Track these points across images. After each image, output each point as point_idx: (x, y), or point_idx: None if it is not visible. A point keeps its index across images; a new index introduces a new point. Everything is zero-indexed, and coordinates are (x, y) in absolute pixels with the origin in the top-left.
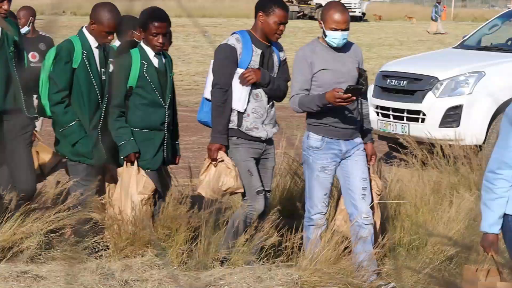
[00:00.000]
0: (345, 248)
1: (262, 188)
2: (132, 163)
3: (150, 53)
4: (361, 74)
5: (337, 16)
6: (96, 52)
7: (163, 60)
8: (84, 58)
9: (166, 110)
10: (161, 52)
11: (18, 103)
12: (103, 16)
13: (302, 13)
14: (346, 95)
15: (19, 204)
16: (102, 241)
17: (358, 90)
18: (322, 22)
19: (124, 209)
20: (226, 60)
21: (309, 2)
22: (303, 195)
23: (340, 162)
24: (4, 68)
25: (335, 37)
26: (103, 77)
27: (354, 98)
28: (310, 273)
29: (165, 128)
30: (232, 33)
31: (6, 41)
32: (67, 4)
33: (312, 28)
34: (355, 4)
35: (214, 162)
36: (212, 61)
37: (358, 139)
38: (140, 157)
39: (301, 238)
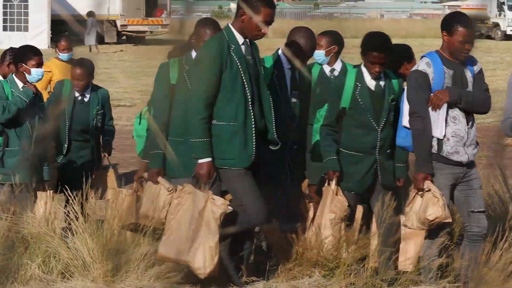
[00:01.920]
0: None
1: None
2: (331, 181)
3: (367, 75)
4: None
5: None
6: (288, 74)
7: (382, 83)
8: (274, 78)
9: (379, 133)
10: (385, 74)
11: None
12: (297, 40)
13: (479, 32)
14: None
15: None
16: (269, 261)
17: None
18: None
19: (319, 227)
20: (419, 87)
21: (485, 22)
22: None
23: None
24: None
25: None
26: (293, 99)
27: None
28: None
29: (377, 151)
30: (422, 57)
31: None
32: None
33: (489, 47)
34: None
35: (420, 193)
36: (406, 88)
37: None
38: (346, 179)
39: (469, 259)
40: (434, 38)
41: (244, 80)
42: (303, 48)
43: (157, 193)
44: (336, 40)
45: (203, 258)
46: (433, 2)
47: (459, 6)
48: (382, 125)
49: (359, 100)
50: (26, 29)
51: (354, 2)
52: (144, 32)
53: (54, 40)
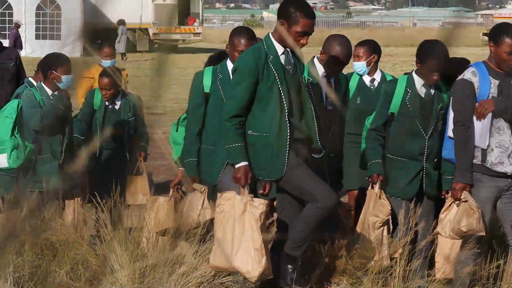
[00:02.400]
0: None
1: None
2: (375, 184)
3: (419, 82)
4: None
5: None
6: (323, 82)
7: (432, 91)
8: (309, 86)
9: (427, 141)
10: (437, 83)
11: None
12: (333, 48)
13: None
14: None
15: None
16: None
17: None
18: None
19: (360, 231)
20: (464, 96)
21: None
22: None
23: None
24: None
25: None
26: (329, 107)
27: None
28: None
29: (424, 159)
30: (468, 66)
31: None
32: None
33: None
34: None
35: (457, 202)
36: (451, 97)
37: None
38: (391, 184)
39: (497, 267)
40: (467, 46)
41: (281, 91)
42: (339, 56)
43: (193, 198)
44: (374, 49)
45: (251, 262)
46: (466, 11)
47: (491, 14)
48: (430, 133)
49: (409, 106)
50: (58, 37)
51: (387, 10)
52: (176, 40)
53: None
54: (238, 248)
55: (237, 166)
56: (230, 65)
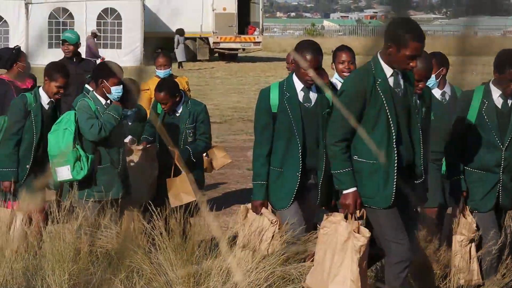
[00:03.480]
0: None
1: None
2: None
3: (496, 93)
4: None
5: None
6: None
7: (510, 101)
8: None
9: (503, 152)
10: None
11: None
12: None
13: None
14: None
15: None
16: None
17: None
18: None
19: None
20: None
21: None
22: None
23: None
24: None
25: None
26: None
27: None
28: None
29: (501, 171)
30: None
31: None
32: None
33: None
34: None
35: None
36: None
37: None
38: (469, 197)
39: None
40: None
41: (389, 116)
42: (421, 72)
43: (261, 224)
44: (442, 62)
45: None
46: None
47: None
48: (507, 144)
49: (485, 117)
50: (119, 46)
51: (448, 19)
52: (236, 49)
53: (153, 57)
54: (335, 275)
55: (345, 192)
56: (296, 80)
